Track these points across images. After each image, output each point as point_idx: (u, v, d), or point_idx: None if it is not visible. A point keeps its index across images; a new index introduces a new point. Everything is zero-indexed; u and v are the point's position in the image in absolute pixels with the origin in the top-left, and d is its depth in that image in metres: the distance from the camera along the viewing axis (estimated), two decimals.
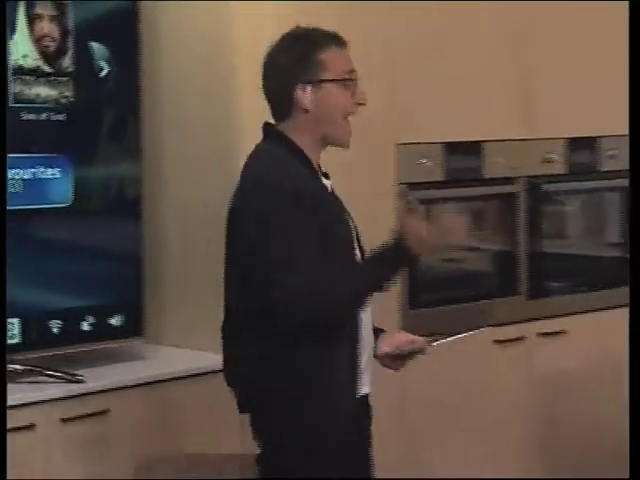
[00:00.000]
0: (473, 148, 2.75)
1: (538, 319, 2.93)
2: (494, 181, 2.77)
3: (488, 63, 2.78)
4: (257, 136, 1.85)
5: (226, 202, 1.86)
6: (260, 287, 1.59)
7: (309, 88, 1.69)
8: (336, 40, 1.78)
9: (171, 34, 2.49)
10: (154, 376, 2.16)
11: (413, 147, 2.62)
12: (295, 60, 1.72)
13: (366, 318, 1.78)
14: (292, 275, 1.55)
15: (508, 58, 2.86)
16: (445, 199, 2.62)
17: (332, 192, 1.85)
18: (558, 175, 2.93)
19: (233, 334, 1.72)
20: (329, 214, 1.73)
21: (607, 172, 3.13)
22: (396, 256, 1.62)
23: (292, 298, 1.54)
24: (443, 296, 2.77)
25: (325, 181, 1.86)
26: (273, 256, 1.58)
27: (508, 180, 2.81)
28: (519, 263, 2.88)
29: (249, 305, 1.65)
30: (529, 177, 2.87)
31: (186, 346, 2.46)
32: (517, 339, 2.87)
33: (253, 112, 2.06)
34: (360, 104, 1.79)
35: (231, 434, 2.16)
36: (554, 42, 2.94)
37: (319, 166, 1.85)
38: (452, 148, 2.70)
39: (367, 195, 2.45)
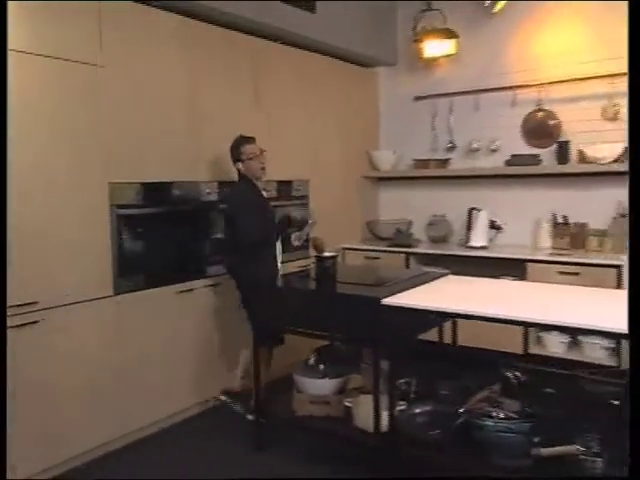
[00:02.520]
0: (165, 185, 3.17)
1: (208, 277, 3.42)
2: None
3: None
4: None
5: None
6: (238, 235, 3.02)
7: (239, 163, 3.14)
8: (248, 140, 3.16)
9: None
10: None
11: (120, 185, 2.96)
12: (234, 150, 3.15)
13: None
14: (245, 233, 2.98)
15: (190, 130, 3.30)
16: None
17: (266, 199, 3.26)
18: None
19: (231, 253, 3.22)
20: (261, 208, 3.12)
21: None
22: None
23: (245, 240, 2.98)
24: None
25: (264, 194, 3.26)
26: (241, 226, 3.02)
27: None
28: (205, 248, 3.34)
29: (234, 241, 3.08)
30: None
31: None
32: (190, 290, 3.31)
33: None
34: (262, 167, 3.17)
35: None
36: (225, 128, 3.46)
37: (263, 188, 3.27)
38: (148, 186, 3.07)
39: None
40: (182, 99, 3.32)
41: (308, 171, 4.32)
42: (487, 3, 4.09)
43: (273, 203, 3.90)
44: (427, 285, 2.77)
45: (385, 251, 4.46)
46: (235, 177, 3.29)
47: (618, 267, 3.48)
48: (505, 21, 4.34)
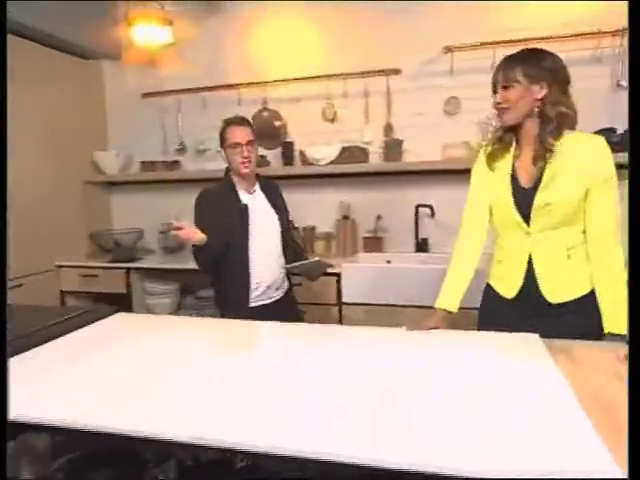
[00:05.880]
0: None
1: None
2: None
3: None
4: None
5: None
6: None
7: (223, 151, 1.99)
8: (234, 122, 1.95)
9: None
10: None
11: None
12: (220, 136, 1.98)
13: (263, 261, 1.98)
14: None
15: None
16: None
17: (242, 205, 1.96)
18: None
19: None
20: (224, 214, 1.93)
21: None
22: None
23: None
24: None
25: (243, 196, 2.00)
26: None
27: None
28: None
29: None
30: None
31: None
32: None
33: None
34: (244, 160, 1.92)
35: None
36: None
37: (249, 186, 2.03)
38: None
39: None
40: None
41: None
42: None
43: None
44: (64, 339, 1.52)
45: (103, 267, 3.11)
46: None
47: (338, 275, 2.63)
48: (227, 15, 3.27)
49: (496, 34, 2.76)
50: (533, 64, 1.36)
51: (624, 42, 2.60)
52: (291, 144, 3.13)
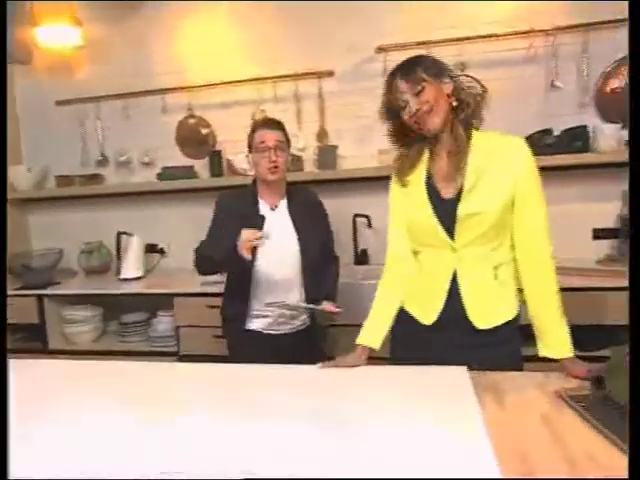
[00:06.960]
0: None
1: None
2: None
3: None
4: None
5: None
6: None
7: (250, 156, 1.75)
8: (264, 124, 1.74)
9: None
10: None
11: None
12: (248, 140, 1.75)
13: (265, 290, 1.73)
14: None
15: None
16: None
17: (259, 215, 1.66)
18: None
19: None
20: (240, 216, 1.66)
21: None
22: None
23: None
24: None
25: (263, 207, 1.76)
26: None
27: None
28: None
29: None
30: None
31: None
32: None
33: None
34: (272, 165, 1.69)
35: None
36: None
37: (274, 199, 1.78)
38: None
39: None
40: None
41: None
42: None
43: None
44: None
45: (10, 295, 2.76)
46: None
47: None
48: (149, 16, 3.00)
49: (429, 33, 2.63)
50: (428, 63, 1.25)
51: (557, 41, 2.51)
52: (218, 153, 2.90)
